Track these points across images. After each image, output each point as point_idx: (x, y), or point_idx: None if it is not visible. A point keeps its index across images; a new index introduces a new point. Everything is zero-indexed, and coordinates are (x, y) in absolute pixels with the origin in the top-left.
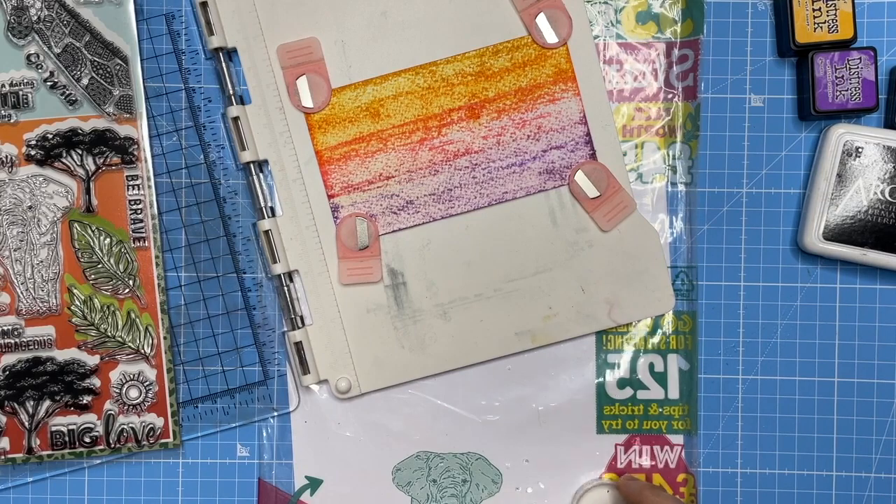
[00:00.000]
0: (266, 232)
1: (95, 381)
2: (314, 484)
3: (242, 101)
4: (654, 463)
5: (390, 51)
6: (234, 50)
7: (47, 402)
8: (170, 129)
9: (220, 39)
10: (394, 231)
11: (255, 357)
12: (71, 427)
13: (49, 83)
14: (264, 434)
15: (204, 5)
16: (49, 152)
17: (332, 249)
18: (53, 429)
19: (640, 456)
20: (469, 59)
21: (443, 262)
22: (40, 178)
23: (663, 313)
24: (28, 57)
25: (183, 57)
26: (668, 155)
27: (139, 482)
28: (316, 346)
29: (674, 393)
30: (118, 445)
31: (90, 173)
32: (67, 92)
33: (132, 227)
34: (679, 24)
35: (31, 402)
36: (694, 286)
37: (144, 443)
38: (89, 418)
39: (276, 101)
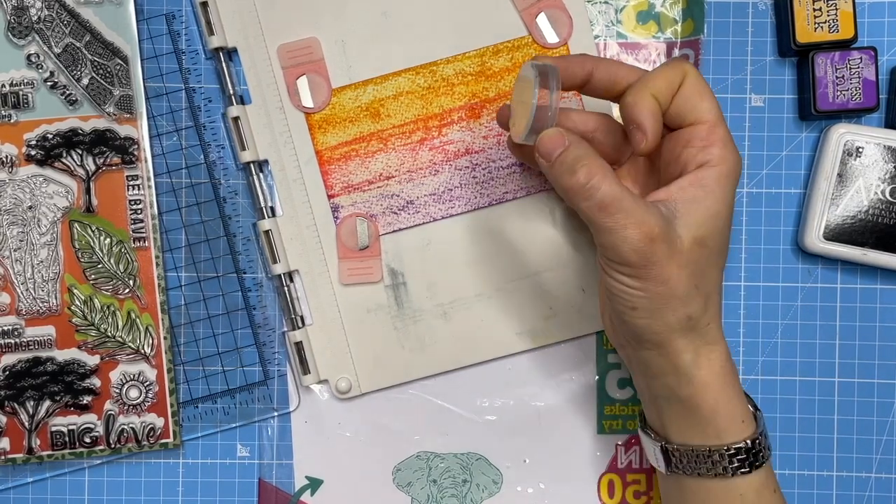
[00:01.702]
0: (266, 232)
1: (95, 382)
2: (314, 484)
3: (242, 100)
4: None
5: (390, 51)
6: (235, 50)
7: (47, 403)
8: (170, 129)
9: (221, 39)
10: (394, 231)
11: (256, 357)
12: (71, 427)
13: (49, 83)
14: (265, 434)
15: (204, 5)
16: (49, 152)
17: (332, 249)
18: (53, 429)
19: (641, 456)
20: (469, 59)
21: (443, 262)
22: (40, 178)
23: None
24: (28, 57)
25: (183, 57)
26: None
27: (139, 482)
28: (316, 346)
29: None
30: (118, 445)
31: (90, 173)
32: (68, 92)
33: (132, 227)
34: (679, 24)
35: (32, 403)
36: None
37: (145, 443)
38: (89, 418)
39: (277, 101)
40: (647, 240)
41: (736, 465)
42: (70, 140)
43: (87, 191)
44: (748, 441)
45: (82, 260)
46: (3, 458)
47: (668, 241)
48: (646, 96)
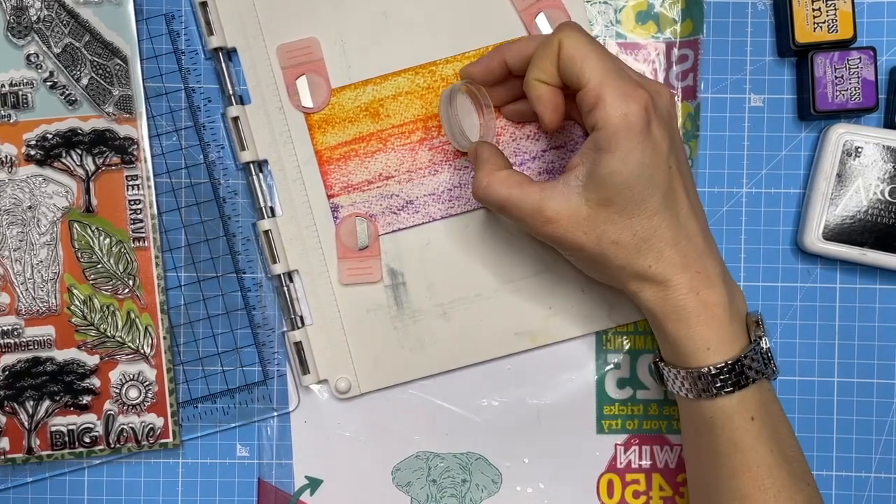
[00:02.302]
0: (266, 232)
1: (95, 381)
2: (314, 484)
3: (242, 100)
4: (653, 463)
5: (390, 51)
6: (234, 50)
7: (47, 402)
8: (169, 129)
9: (220, 39)
10: (394, 231)
11: (255, 357)
12: (71, 427)
13: (49, 83)
14: (264, 434)
15: (203, 5)
16: (49, 152)
17: (331, 249)
18: (53, 429)
19: (640, 456)
20: (469, 59)
21: (443, 262)
22: (40, 178)
23: None
24: (28, 57)
25: (183, 57)
26: None
27: (139, 482)
28: (316, 346)
29: None
30: (118, 445)
31: (90, 173)
32: (67, 92)
33: (132, 227)
34: (679, 24)
35: (31, 402)
36: None
37: (144, 443)
38: (89, 418)
39: (276, 101)
40: (541, 224)
41: (700, 387)
42: (69, 140)
43: (87, 191)
44: (711, 367)
45: (82, 260)
46: (2, 457)
47: (565, 216)
48: (530, 83)
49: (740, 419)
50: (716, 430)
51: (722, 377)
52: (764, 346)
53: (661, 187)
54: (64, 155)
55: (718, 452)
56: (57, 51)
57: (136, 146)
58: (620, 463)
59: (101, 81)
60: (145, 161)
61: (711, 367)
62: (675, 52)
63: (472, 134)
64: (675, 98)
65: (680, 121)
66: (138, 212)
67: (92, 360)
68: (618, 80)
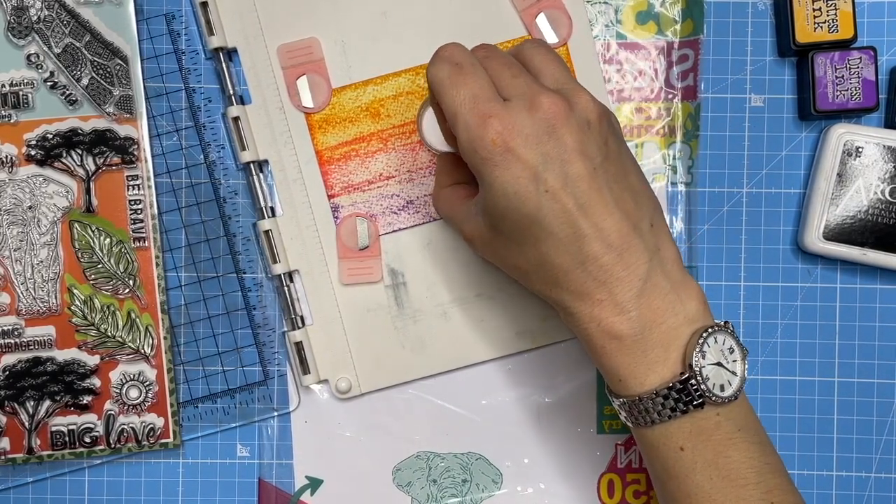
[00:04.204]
0: (266, 232)
1: (95, 381)
2: (314, 484)
3: (243, 101)
4: None
5: (390, 51)
6: (235, 50)
7: (47, 403)
8: (170, 129)
9: (221, 39)
10: (394, 231)
11: (256, 357)
12: (71, 427)
13: (49, 83)
14: (265, 434)
15: (204, 5)
16: (49, 152)
17: (332, 249)
18: (53, 429)
19: (641, 456)
20: None
21: (443, 261)
22: (40, 178)
23: None
24: (28, 57)
25: (183, 57)
26: (669, 155)
27: (139, 482)
28: (316, 346)
29: None
30: (118, 445)
31: (90, 173)
32: (67, 92)
33: (132, 227)
34: (679, 24)
35: (32, 403)
36: None
37: (145, 443)
38: (89, 418)
39: (277, 101)
40: (468, 241)
41: (624, 415)
42: (70, 140)
43: (87, 191)
44: (625, 399)
45: (82, 260)
46: (3, 458)
47: (477, 238)
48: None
49: (667, 450)
50: (650, 456)
51: (639, 409)
52: (703, 373)
53: (536, 215)
54: (64, 155)
55: (658, 477)
56: (57, 51)
57: (136, 146)
58: (621, 463)
59: (102, 81)
60: (146, 161)
61: (625, 399)
62: (676, 51)
63: (441, 144)
64: (676, 98)
65: (680, 121)
66: (139, 212)
67: (92, 360)
68: (471, 110)
